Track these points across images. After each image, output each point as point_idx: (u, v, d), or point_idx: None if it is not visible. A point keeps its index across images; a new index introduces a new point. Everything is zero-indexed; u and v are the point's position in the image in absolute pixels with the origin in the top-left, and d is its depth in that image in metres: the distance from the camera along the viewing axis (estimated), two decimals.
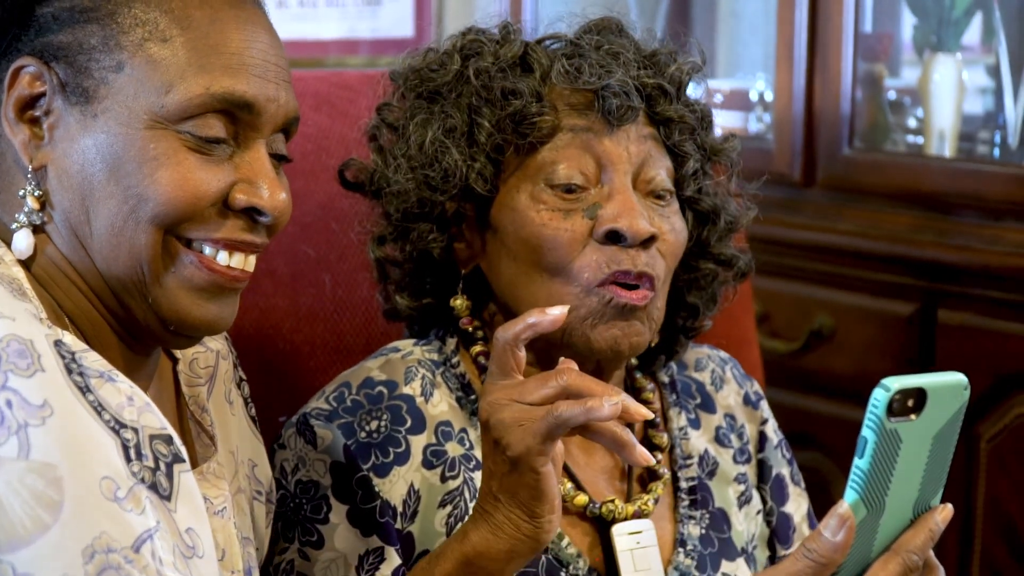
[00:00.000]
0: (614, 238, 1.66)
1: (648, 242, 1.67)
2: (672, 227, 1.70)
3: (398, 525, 1.68)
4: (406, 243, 1.75)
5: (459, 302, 1.76)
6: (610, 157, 1.68)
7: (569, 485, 1.73)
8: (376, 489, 1.67)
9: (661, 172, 1.71)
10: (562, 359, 1.51)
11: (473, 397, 1.75)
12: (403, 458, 1.69)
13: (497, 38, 1.75)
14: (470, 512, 1.57)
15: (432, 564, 1.57)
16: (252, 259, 1.44)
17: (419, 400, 1.73)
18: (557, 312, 1.49)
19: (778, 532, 1.88)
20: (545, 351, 1.71)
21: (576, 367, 1.50)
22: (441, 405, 1.74)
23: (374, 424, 1.70)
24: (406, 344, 1.79)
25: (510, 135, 1.69)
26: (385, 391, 1.72)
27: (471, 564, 1.54)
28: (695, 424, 1.86)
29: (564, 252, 1.67)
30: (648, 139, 1.71)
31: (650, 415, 1.47)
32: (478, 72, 1.71)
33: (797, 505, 1.91)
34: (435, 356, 1.77)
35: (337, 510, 1.67)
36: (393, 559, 1.66)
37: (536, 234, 1.67)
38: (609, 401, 1.44)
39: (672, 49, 1.78)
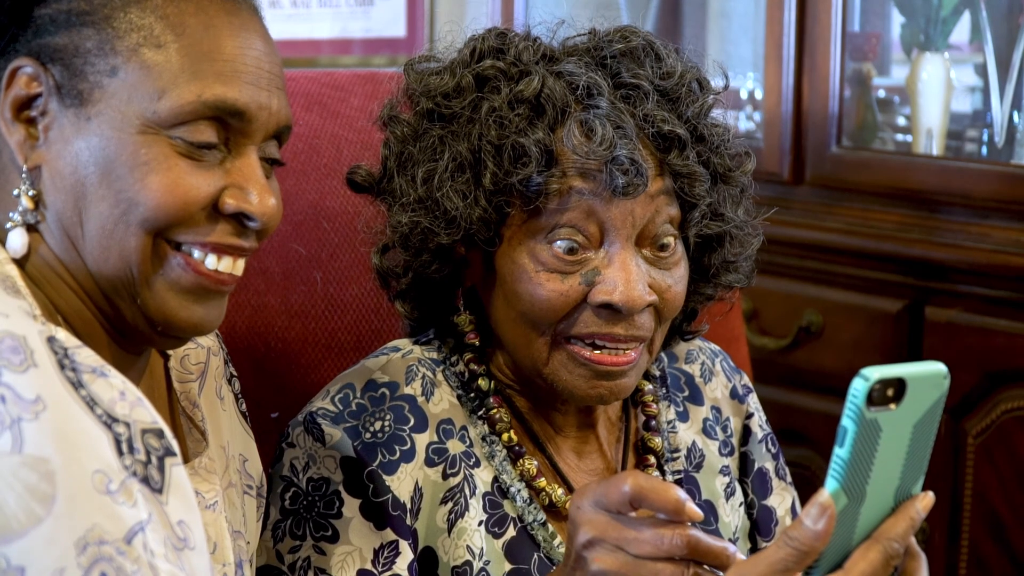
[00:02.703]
0: (609, 307, 1.66)
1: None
2: (673, 282, 1.69)
3: (407, 521, 1.69)
4: (408, 267, 1.75)
5: (462, 318, 1.77)
6: (614, 223, 1.65)
7: (560, 490, 1.74)
8: (386, 484, 1.68)
9: (667, 226, 1.68)
10: (684, 501, 1.45)
11: (472, 395, 1.77)
12: (409, 455, 1.70)
13: (514, 59, 1.70)
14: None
15: None
16: (241, 263, 1.45)
17: (420, 400, 1.73)
18: (698, 513, 1.44)
19: (759, 525, 1.90)
20: (530, 381, 1.74)
21: (695, 513, 1.45)
22: (442, 404, 1.75)
23: (378, 424, 1.71)
24: (405, 343, 1.80)
25: (517, 198, 1.67)
26: (387, 392, 1.73)
27: None
28: (683, 417, 1.88)
29: (555, 313, 1.66)
30: (657, 196, 1.67)
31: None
32: (490, 111, 1.67)
33: (781, 499, 1.92)
34: (434, 355, 1.78)
35: (350, 504, 1.68)
36: (407, 553, 1.67)
37: (531, 292, 1.67)
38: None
39: (696, 75, 1.73)
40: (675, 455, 1.84)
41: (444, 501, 1.71)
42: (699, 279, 1.78)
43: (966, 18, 2.99)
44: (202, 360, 1.62)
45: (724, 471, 1.88)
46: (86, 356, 1.34)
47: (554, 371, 1.70)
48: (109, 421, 1.32)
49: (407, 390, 1.74)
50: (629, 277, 1.65)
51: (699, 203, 1.70)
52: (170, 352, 1.59)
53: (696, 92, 1.71)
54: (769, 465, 1.92)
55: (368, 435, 1.69)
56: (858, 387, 1.31)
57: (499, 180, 1.66)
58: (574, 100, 1.67)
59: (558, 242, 1.66)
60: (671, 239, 1.69)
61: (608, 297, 1.65)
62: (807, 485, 2.12)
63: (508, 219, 1.68)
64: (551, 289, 1.66)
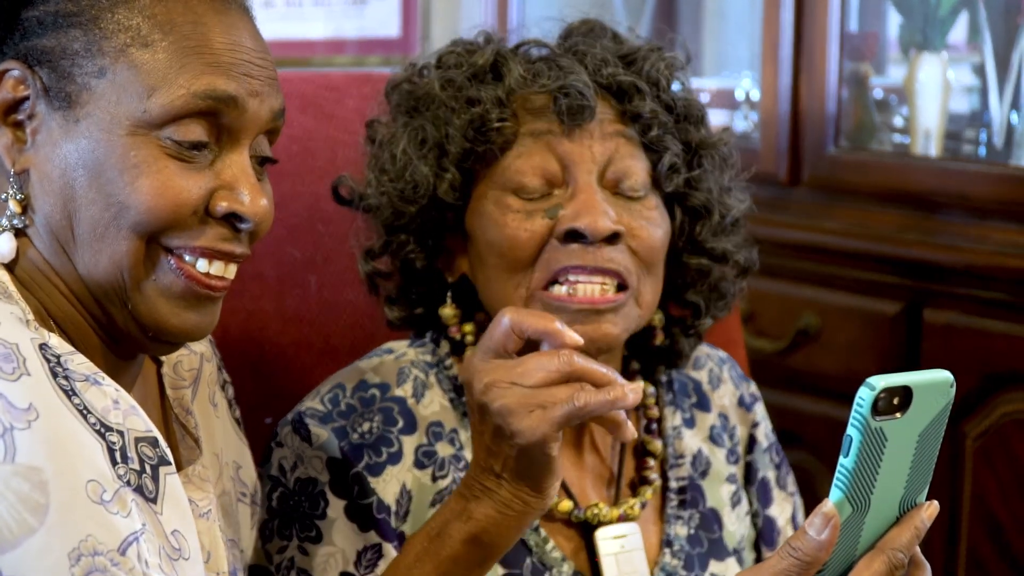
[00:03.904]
0: (575, 237, 1.66)
1: (613, 239, 1.67)
2: (644, 223, 1.70)
3: (393, 524, 1.68)
4: (391, 256, 1.75)
5: (447, 311, 1.76)
6: (572, 158, 1.68)
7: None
8: (371, 486, 1.67)
9: (632, 169, 1.70)
10: (562, 328, 1.50)
11: (464, 398, 1.75)
12: (396, 458, 1.70)
13: (473, 46, 1.76)
14: (460, 486, 1.57)
15: (434, 545, 1.57)
16: (232, 267, 1.43)
17: (410, 401, 1.73)
18: (577, 338, 1.50)
19: (763, 534, 1.89)
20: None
21: (573, 338, 1.50)
22: (432, 406, 1.74)
23: (366, 426, 1.70)
24: (400, 345, 1.79)
25: (473, 143, 1.69)
26: (378, 393, 1.72)
27: (479, 541, 1.55)
28: (690, 423, 1.87)
29: (523, 251, 1.68)
30: (616, 136, 1.70)
31: (639, 391, 1.48)
32: (448, 83, 1.72)
33: (781, 509, 1.92)
34: (428, 357, 1.77)
35: (335, 505, 1.68)
36: (391, 556, 1.67)
37: (499, 235, 1.68)
38: (631, 389, 1.45)
39: (655, 46, 1.78)
40: (679, 461, 1.83)
41: (433, 504, 1.71)
42: (692, 251, 1.78)
43: (964, 18, 2.97)
44: (195, 366, 1.60)
45: (731, 479, 1.87)
46: (79, 364, 1.33)
47: None
48: (103, 430, 1.32)
49: (398, 392, 1.73)
50: (592, 204, 1.66)
51: (665, 151, 1.72)
52: (163, 358, 1.57)
53: (653, 58, 1.75)
54: (771, 475, 1.92)
55: (356, 436, 1.69)
56: (864, 396, 1.30)
57: (457, 137, 1.69)
58: (525, 67, 1.72)
59: (522, 186, 1.68)
60: (642, 188, 1.70)
61: (572, 223, 1.66)
62: (805, 488, 2.11)
63: (474, 176, 1.71)
64: (516, 227, 1.68)
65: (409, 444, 1.71)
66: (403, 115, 1.75)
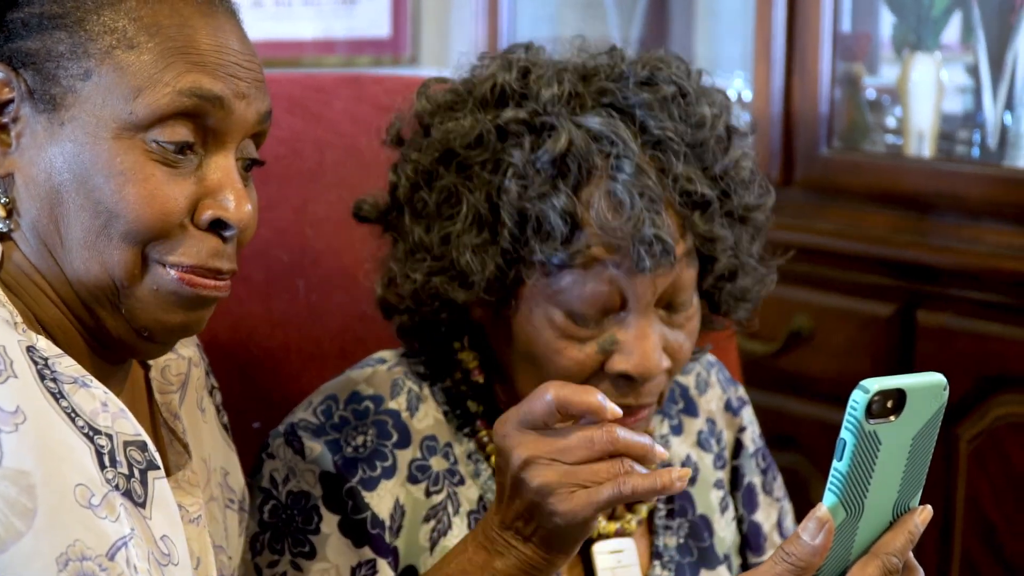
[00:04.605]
0: (626, 378, 1.63)
1: None
2: (684, 339, 1.66)
3: (387, 539, 1.66)
4: (415, 312, 1.70)
5: (466, 355, 1.74)
6: (635, 292, 1.61)
7: None
8: (365, 501, 1.66)
9: (686, 284, 1.64)
10: (604, 402, 1.46)
11: (459, 411, 1.73)
12: (390, 472, 1.68)
13: (537, 107, 1.63)
14: (480, 536, 1.54)
15: None
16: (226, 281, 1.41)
17: (404, 415, 1.71)
18: (617, 411, 1.45)
19: (749, 540, 1.88)
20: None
21: (615, 411, 1.46)
22: (427, 419, 1.72)
23: (360, 439, 1.68)
24: (392, 355, 1.77)
25: (531, 254, 1.62)
26: (371, 406, 1.70)
27: None
28: (677, 430, 1.85)
29: (571, 379, 1.60)
30: (679, 260, 1.63)
31: (686, 478, 1.45)
32: (512, 172, 1.62)
33: (767, 515, 1.90)
34: (421, 369, 1.75)
35: (328, 520, 1.66)
36: (386, 572, 1.65)
37: (548, 358, 1.64)
38: (678, 477, 1.42)
39: (726, 120, 1.68)
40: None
41: (427, 519, 1.69)
42: (709, 311, 1.75)
43: (957, 18, 2.96)
44: (183, 371, 1.59)
45: (718, 484, 1.86)
46: (67, 366, 1.32)
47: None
48: (91, 433, 1.31)
49: (391, 404, 1.71)
50: (646, 347, 1.62)
51: (719, 258, 1.66)
52: (151, 362, 1.56)
53: (725, 141, 1.67)
54: (757, 480, 1.90)
55: (349, 449, 1.67)
56: (857, 399, 1.29)
57: (519, 247, 1.61)
58: (600, 158, 1.60)
59: (577, 311, 1.62)
60: (689, 299, 1.66)
61: (624, 367, 1.62)
62: (797, 491, 2.10)
63: (526, 276, 1.64)
64: (569, 358, 1.63)
65: (403, 458, 1.69)
66: (449, 171, 1.65)
